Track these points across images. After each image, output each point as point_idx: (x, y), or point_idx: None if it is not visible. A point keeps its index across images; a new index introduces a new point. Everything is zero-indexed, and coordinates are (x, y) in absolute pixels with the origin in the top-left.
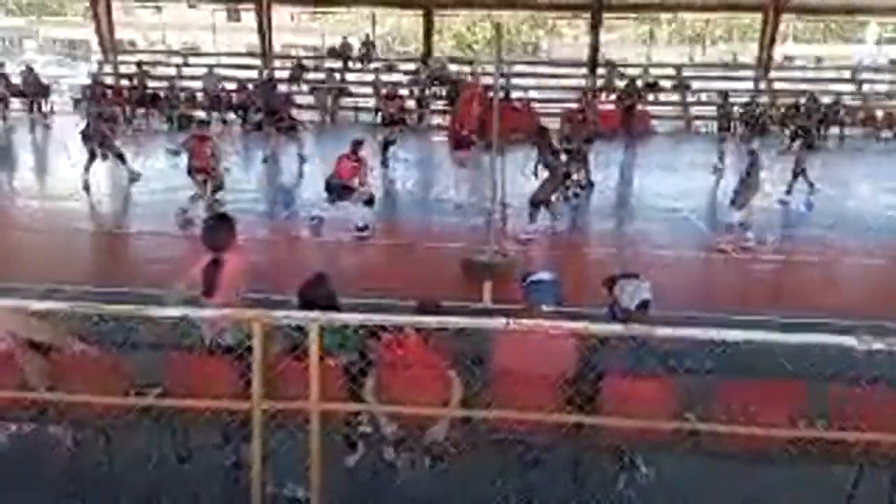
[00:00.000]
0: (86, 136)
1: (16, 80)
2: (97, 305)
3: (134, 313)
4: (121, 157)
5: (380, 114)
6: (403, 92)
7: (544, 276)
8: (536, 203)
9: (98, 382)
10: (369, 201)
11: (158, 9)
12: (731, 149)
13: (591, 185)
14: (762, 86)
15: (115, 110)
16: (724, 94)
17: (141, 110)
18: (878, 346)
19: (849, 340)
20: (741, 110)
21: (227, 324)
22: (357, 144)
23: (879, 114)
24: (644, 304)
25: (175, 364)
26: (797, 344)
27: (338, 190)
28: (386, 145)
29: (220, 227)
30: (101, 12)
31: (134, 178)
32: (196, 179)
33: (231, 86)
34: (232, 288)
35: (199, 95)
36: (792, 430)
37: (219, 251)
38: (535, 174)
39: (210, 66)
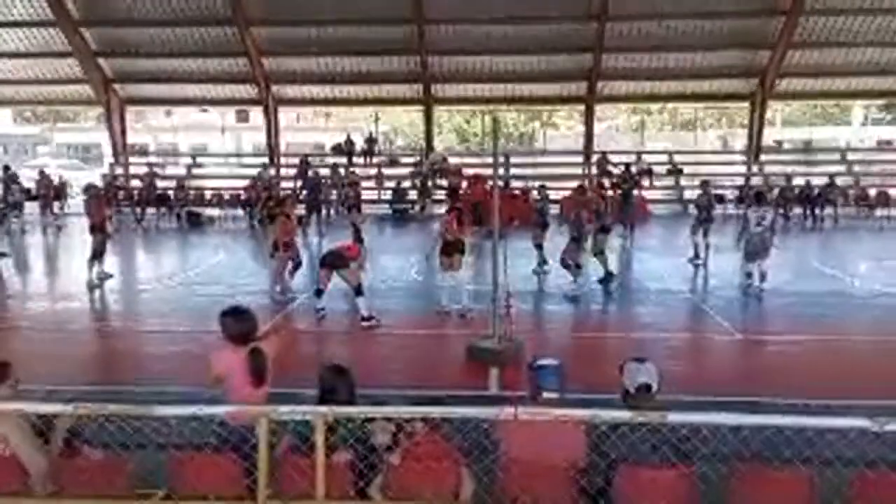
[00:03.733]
0: (93, 228)
1: (29, 184)
2: (103, 406)
3: (141, 413)
4: (100, 253)
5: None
6: (406, 183)
7: (549, 361)
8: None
9: (101, 485)
10: (358, 289)
11: (169, 113)
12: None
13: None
14: (754, 169)
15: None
16: (705, 182)
17: (151, 210)
18: (892, 426)
19: (862, 422)
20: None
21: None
22: (360, 239)
23: (872, 192)
24: (645, 388)
25: (180, 464)
26: (813, 427)
27: (334, 258)
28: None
29: (246, 317)
30: (114, 118)
31: (103, 277)
32: (281, 256)
33: (241, 182)
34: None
35: (208, 194)
36: None
37: (250, 341)
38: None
39: (264, 164)
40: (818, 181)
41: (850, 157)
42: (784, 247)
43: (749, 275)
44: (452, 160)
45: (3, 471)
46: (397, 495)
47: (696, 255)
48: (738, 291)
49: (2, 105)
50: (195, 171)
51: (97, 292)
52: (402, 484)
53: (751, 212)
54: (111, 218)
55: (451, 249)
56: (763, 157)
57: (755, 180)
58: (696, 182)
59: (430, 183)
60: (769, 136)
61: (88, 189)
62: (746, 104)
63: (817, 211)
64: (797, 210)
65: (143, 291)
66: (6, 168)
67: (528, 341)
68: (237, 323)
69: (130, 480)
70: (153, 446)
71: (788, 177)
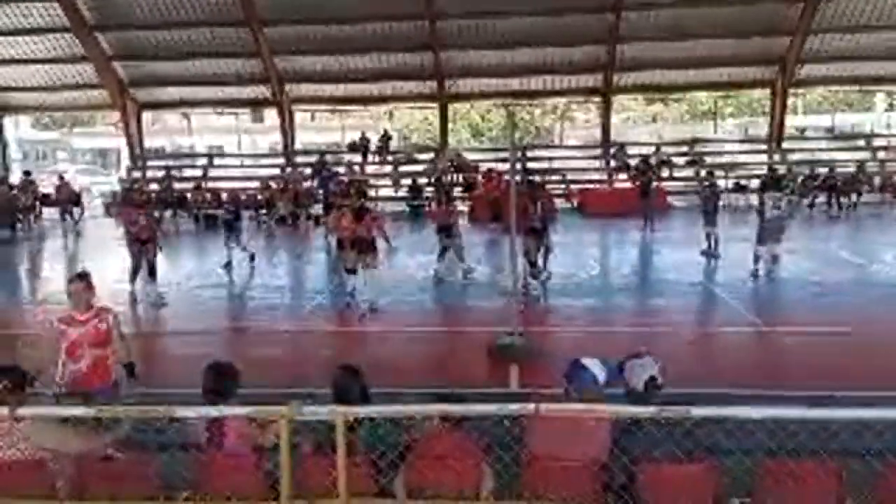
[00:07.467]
0: (132, 238)
1: (48, 189)
2: (125, 409)
3: (161, 414)
4: (153, 270)
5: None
6: (422, 180)
7: (595, 368)
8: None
9: (126, 487)
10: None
11: (186, 116)
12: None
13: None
14: (777, 157)
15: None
16: (710, 173)
17: (168, 212)
18: None
19: (890, 413)
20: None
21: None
22: (364, 208)
23: None
24: (652, 382)
25: (203, 465)
26: (840, 419)
27: (362, 246)
28: None
29: (221, 375)
30: (130, 122)
31: (162, 303)
32: (353, 254)
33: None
34: (241, 442)
35: (224, 195)
36: None
37: (219, 399)
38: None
39: (294, 165)
40: (842, 168)
41: (875, 143)
42: (807, 235)
43: (757, 258)
44: (468, 156)
45: (30, 474)
46: (418, 491)
47: (709, 247)
48: (759, 282)
49: (20, 111)
50: (212, 172)
51: (119, 297)
52: (422, 480)
53: (766, 197)
54: (136, 222)
55: (366, 247)
56: (785, 145)
57: (778, 169)
58: (718, 172)
59: (445, 179)
60: (791, 124)
61: (126, 193)
62: (767, 91)
63: (842, 199)
64: (821, 198)
65: (163, 293)
66: (26, 174)
67: (550, 337)
68: (207, 376)
69: (154, 482)
70: (176, 447)
71: (812, 164)
